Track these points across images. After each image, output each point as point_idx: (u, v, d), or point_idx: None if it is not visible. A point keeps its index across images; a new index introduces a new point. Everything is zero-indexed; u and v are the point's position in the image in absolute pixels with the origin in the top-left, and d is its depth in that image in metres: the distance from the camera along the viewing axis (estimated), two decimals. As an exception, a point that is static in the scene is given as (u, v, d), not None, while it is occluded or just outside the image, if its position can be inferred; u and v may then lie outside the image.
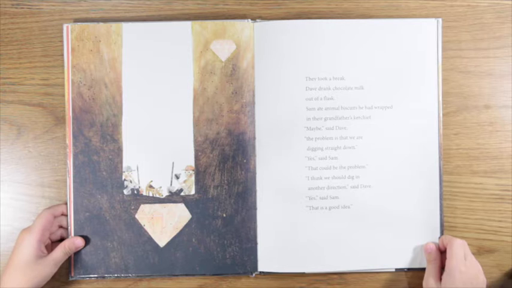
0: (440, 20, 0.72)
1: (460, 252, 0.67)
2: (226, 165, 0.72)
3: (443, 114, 0.73)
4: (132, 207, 0.71)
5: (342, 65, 0.72)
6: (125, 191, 0.71)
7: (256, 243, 0.72)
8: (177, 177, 0.72)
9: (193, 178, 0.72)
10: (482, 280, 0.67)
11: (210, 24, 0.72)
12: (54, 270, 0.68)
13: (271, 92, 0.72)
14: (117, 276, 0.71)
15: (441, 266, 0.69)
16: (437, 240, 0.72)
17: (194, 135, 0.72)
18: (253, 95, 0.72)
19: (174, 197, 0.72)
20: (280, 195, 0.72)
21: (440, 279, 0.67)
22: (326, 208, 0.72)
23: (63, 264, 0.69)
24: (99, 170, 0.71)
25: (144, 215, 0.72)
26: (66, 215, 0.71)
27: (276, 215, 0.71)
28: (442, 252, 0.71)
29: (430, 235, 0.72)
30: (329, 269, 0.72)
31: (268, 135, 0.72)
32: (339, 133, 0.72)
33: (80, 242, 0.70)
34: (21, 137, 0.73)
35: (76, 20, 0.73)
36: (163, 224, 0.72)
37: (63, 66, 0.72)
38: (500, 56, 0.74)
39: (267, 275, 0.73)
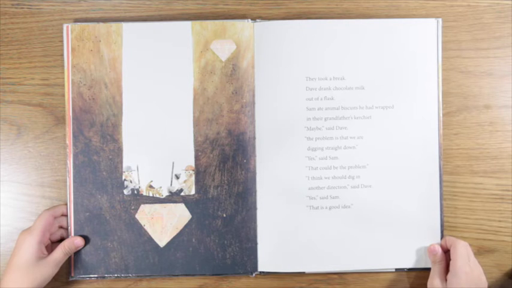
0: (440, 20, 0.72)
1: (464, 253, 0.67)
2: (226, 165, 0.72)
3: (443, 114, 0.73)
4: (132, 207, 0.71)
5: (342, 65, 0.72)
6: (125, 191, 0.71)
7: (256, 243, 0.72)
8: (177, 177, 0.72)
9: (193, 178, 0.72)
10: (484, 281, 0.67)
11: (210, 24, 0.72)
12: (55, 270, 0.68)
13: (271, 92, 0.72)
14: (117, 276, 0.71)
15: (446, 267, 0.69)
16: (438, 240, 0.72)
17: (194, 135, 0.72)
18: (253, 95, 0.72)
19: (174, 197, 0.72)
20: (280, 195, 0.72)
21: (445, 279, 0.67)
22: (326, 208, 0.72)
23: (63, 264, 0.69)
24: (99, 170, 0.71)
25: (144, 215, 0.72)
26: (66, 216, 0.71)
27: (276, 215, 0.71)
28: (445, 253, 0.70)
29: (431, 235, 0.72)
30: (329, 269, 0.72)
31: (268, 135, 0.72)
32: (339, 133, 0.72)
33: (79, 241, 0.70)
34: (21, 137, 0.73)
35: (76, 20, 0.73)
36: (164, 224, 0.72)
37: (63, 66, 0.72)
38: (500, 56, 0.74)
39: (267, 275, 0.73)
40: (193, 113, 0.72)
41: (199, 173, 0.72)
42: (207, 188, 0.72)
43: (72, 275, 0.71)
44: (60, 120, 0.73)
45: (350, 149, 0.72)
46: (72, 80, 0.71)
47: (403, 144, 0.72)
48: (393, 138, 0.72)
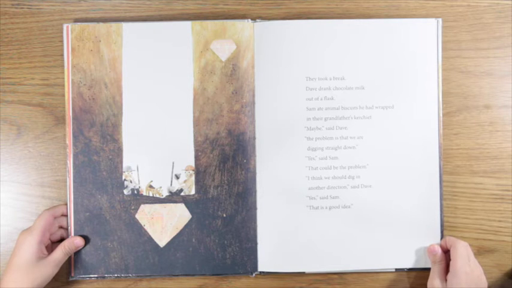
0: (440, 20, 0.72)
1: (464, 253, 0.67)
2: (226, 165, 0.72)
3: (443, 114, 0.73)
4: (132, 207, 0.71)
5: (342, 65, 0.72)
6: (125, 191, 0.71)
7: (256, 243, 0.72)
8: (177, 177, 0.72)
9: (193, 178, 0.72)
10: (484, 281, 0.67)
11: (210, 24, 0.72)
12: (55, 270, 0.68)
13: (271, 92, 0.72)
14: (117, 276, 0.71)
15: (446, 267, 0.69)
16: (437, 241, 0.72)
17: (194, 135, 0.72)
18: (253, 95, 0.72)
19: (174, 197, 0.72)
20: (280, 195, 0.72)
21: (445, 279, 0.67)
22: (326, 208, 0.72)
23: (63, 264, 0.69)
24: (99, 170, 0.71)
25: (144, 215, 0.72)
26: (66, 216, 0.71)
27: (276, 215, 0.71)
28: (445, 253, 0.70)
29: (431, 235, 0.72)
30: (329, 269, 0.72)
31: (268, 135, 0.72)
32: (340, 133, 0.72)
33: (79, 241, 0.70)
34: (21, 137, 0.73)
35: (76, 20, 0.73)
36: (163, 224, 0.72)
37: (63, 66, 0.72)
38: (500, 56, 0.74)
39: (267, 275, 0.73)
40: (193, 113, 0.72)
41: (199, 173, 0.72)
42: (207, 188, 0.72)
43: (72, 275, 0.71)
44: (60, 120, 0.73)
45: (350, 149, 0.72)
46: (72, 80, 0.71)
47: (403, 144, 0.72)
48: (393, 138, 0.72)
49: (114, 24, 0.72)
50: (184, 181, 0.72)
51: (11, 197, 0.73)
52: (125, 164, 0.72)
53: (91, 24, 0.72)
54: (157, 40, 0.72)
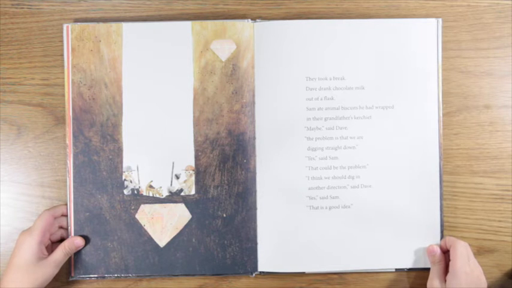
0: (440, 20, 0.72)
1: (464, 253, 0.67)
2: (226, 165, 0.72)
3: (443, 114, 0.73)
4: (132, 207, 0.71)
5: (342, 65, 0.72)
6: (125, 191, 0.71)
7: (256, 243, 0.72)
8: (177, 177, 0.72)
9: (193, 178, 0.72)
10: (484, 281, 0.67)
11: (210, 24, 0.72)
12: (56, 271, 0.68)
13: (271, 92, 0.72)
14: (117, 276, 0.71)
15: (445, 267, 0.69)
16: (437, 241, 0.72)
17: (194, 135, 0.72)
18: (253, 95, 0.72)
19: (174, 197, 0.72)
20: (280, 195, 0.72)
21: (445, 280, 0.67)
22: (326, 208, 0.72)
23: (63, 264, 0.69)
24: (99, 170, 0.71)
25: (144, 215, 0.72)
26: (66, 216, 0.71)
27: (276, 215, 0.72)
28: (445, 253, 0.70)
29: (430, 235, 0.72)
30: (329, 269, 0.72)
31: (268, 135, 0.72)
32: (339, 133, 0.72)
33: (79, 241, 0.70)
34: (21, 137, 0.73)
35: (76, 20, 0.73)
36: (164, 224, 0.72)
37: (63, 66, 0.72)
38: (500, 56, 0.74)
39: (267, 275, 0.73)
40: (193, 113, 0.72)
41: (199, 173, 0.72)
42: (207, 188, 0.72)
43: (72, 275, 0.71)
44: (60, 120, 0.73)
45: (350, 149, 0.72)
46: (72, 80, 0.71)
47: (403, 144, 0.72)
48: (393, 138, 0.72)
49: (114, 24, 0.72)
50: (184, 181, 0.72)
51: (11, 197, 0.73)
52: (125, 164, 0.72)
53: (91, 24, 0.72)
54: (157, 40, 0.72)
